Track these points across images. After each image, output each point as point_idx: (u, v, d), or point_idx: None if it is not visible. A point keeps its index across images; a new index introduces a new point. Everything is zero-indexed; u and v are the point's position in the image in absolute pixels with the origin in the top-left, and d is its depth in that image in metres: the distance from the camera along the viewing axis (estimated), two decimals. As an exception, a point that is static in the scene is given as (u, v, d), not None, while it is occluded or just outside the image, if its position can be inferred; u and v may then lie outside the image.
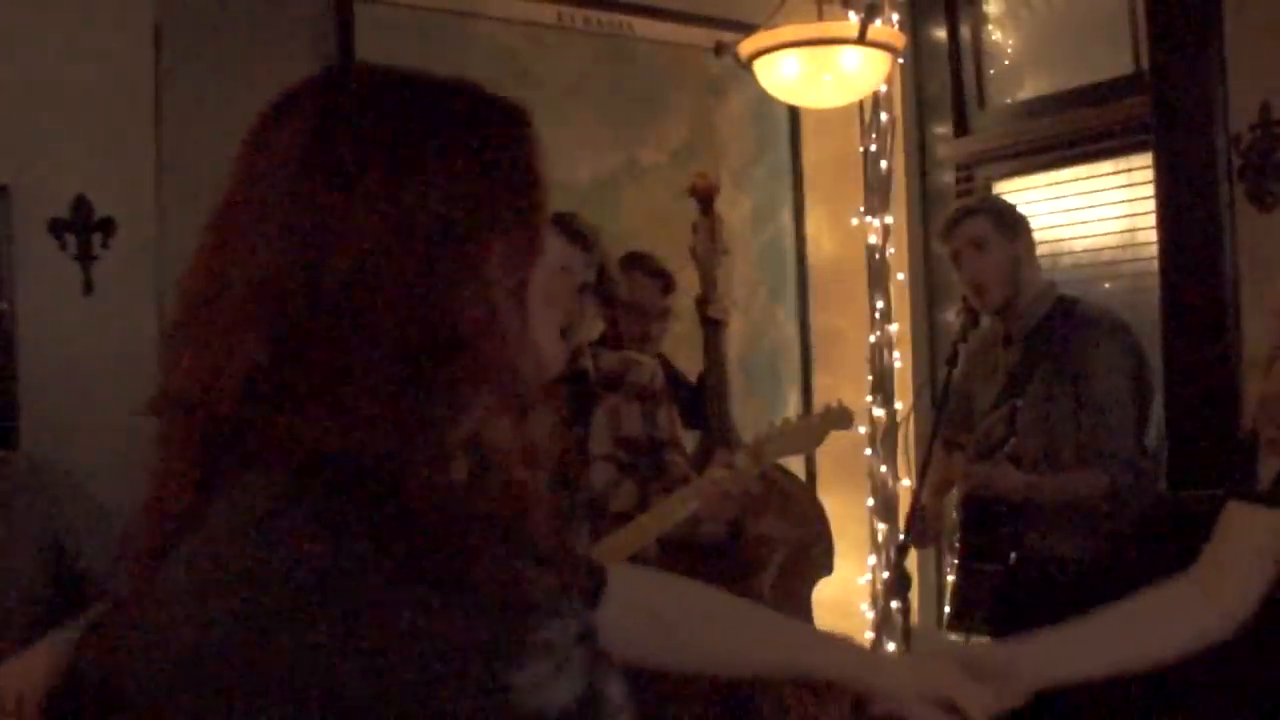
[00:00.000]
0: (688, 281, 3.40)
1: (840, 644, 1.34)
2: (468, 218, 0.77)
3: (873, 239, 4.12)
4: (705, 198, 3.19)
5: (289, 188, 0.77)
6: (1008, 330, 2.90)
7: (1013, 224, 2.89)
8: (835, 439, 2.61)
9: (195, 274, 0.80)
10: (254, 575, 0.68)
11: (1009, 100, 4.19)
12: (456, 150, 0.79)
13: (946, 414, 2.91)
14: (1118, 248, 3.82)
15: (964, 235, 2.88)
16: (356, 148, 0.77)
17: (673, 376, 3.32)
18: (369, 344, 0.74)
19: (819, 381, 4.34)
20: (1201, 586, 1.51)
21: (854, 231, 4.20)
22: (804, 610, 3.30)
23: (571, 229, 2.36)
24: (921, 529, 2.91)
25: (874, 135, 4.11)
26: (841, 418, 2.47)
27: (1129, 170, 3.74)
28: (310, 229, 0.75)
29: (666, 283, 3.30)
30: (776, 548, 3.25)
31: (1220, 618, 1.49)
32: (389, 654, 0.66)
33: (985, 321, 2.96)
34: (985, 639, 2.77)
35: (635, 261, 3.28)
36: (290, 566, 0.68)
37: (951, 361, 2.85)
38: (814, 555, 3.35)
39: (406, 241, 0.75)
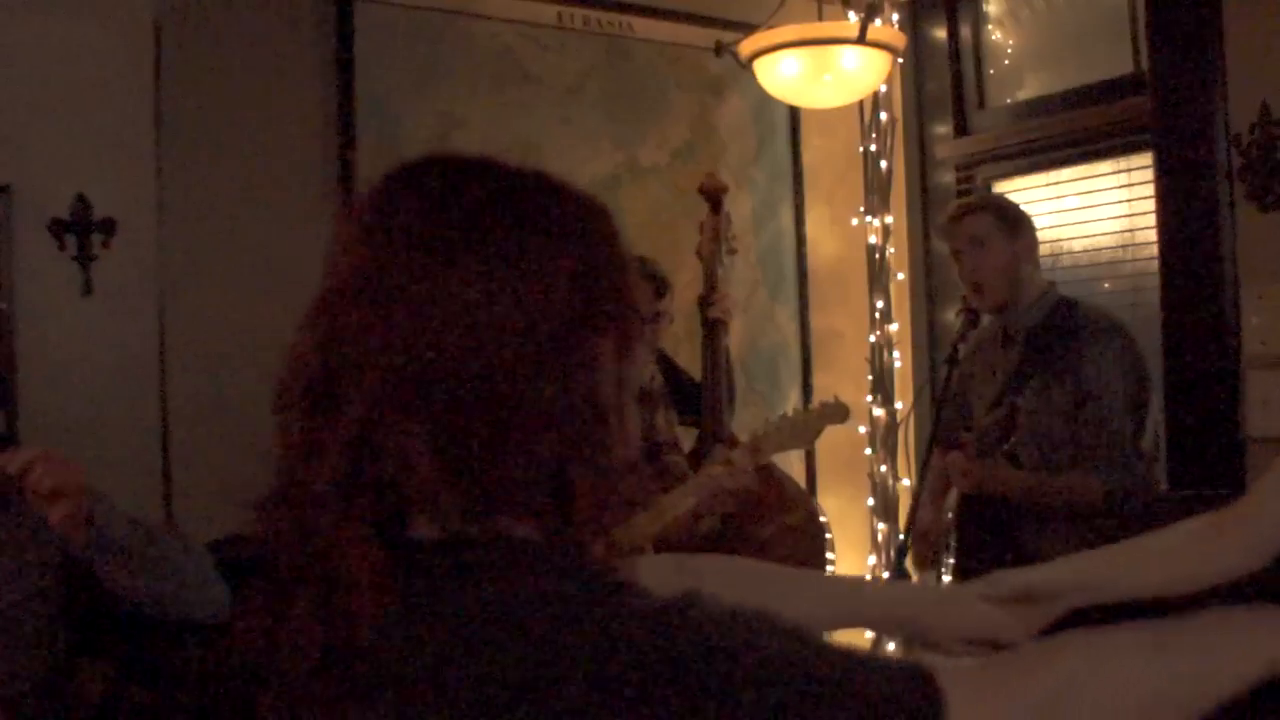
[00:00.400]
0: (692, 281, 3.41)
1: (891, 589, 1.33)
2: (585, 309, 0.80)
3: (873, 239, 4.12)
4: (714, 197, 3.20)
5: (418, 279, 0.77)
6: (1007, 330, 2.90)
7: (1014, 222, 2.88)
8: (836, 439, 2.61)
9: (304, 361, 0.81)
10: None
11: (1009, 100, 4.19)
12: (570, 243, 0.81)
13: (945, 413, 2.90)
14: (1117, 248, 3.82)
15: (965, 233, 2.87)
16: (480, 242, 0.79)
17: (673, 371, 3.32)
18: (522, 431, 0.76)
19: (819, 381, 4.33)
20: (1228, 521, 1.49)
21: (854, 231, 4.20)
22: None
23: None
24: (922, 550, 2.93)
25: (874, 135, 4.11)
26: (838, 412, 2.48)
27: (1129, 170, 3.74)
28: (448, 318, 0.76)
29: (659, 286, 3.30)
30: (774, 547, 3.25)
31: (1241, 555, 1.46)
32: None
33: (985, 320, 2.96)
34: None
35: None
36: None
37: (951, 361, 2.84)
38: (810, 554, 3.34)
39: (540, 331, 0.77)
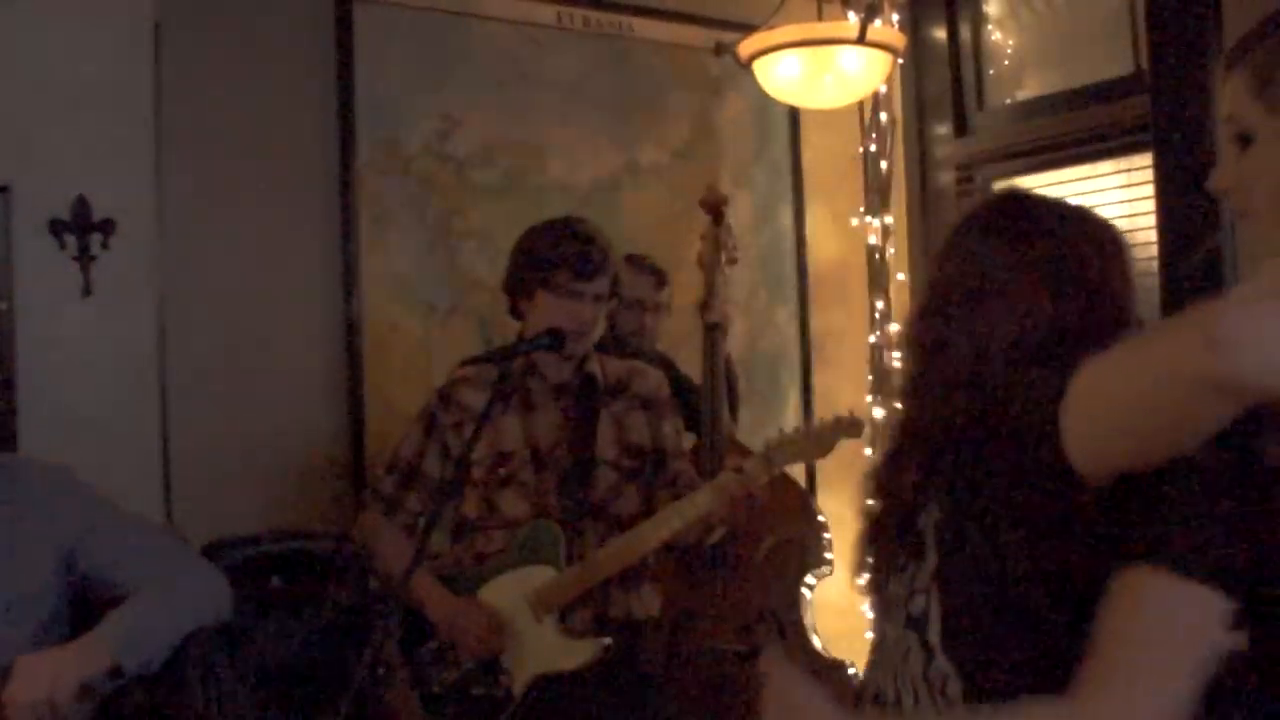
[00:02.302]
0: (693, 281, 3.41)
1: None
2: None
3: (873, 239, 4.11)
4: (715, 210, 3.20)
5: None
6: None
7: None
8: (835, 438, 2.60)
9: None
10: None
11: (1009, 100, 4.19)
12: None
13: None
14: (1117, 248, 3.82)
15: None
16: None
17: (678, 380, 3.33)
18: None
19: (819, 382, 4.33)
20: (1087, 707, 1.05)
21: (854, 231, 4.20)
22: (792, 602, 3.30)
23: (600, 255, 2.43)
24: None
25: (874, 135, 4.11)
26: (852, 427, 2.46)
27: (1129, 170, 3.73)
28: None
29: (659, 278, 3.32)
30: (763, 538, 3.27)
31: None
32: None
33: None
34: None
35: (630, 260, 3.31)
36: None
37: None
38: (805, 546, 3.35)
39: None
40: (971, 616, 1.18)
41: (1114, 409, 1.05)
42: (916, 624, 1.23)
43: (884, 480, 1.34)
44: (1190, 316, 0.96)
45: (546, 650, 2.36)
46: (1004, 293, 1.26)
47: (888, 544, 1.30)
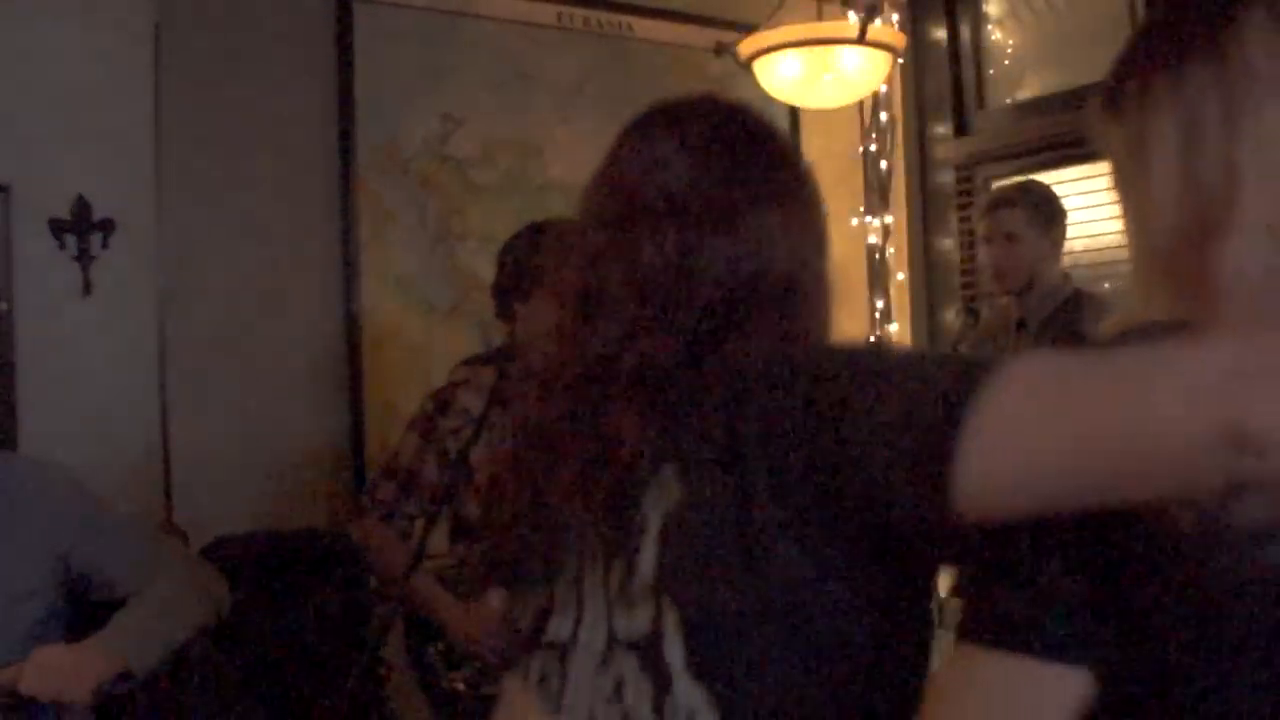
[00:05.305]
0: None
1: None
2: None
3: (873, 239, 4.12)
4: None
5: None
6: (1022, 315, 2.95)
7: (1048, 218, 2.96)
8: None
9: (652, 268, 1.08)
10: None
11: (1009, 100, 4.19)
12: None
13: None
14: (1117, 247, 3.82)
15: (999, 225, 2.94)
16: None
17: None
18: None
19: (819, 381, 4.33)
20: None
21: (854, 231, 4.20)
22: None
23: None
24: None
25: (874, 135, 4.11)
26: None
27: (1129, 170, 3.73)
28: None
29: None
30: None
31: None
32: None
33: (985, 314, 3.00)
34: None
35: None
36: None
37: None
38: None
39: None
40: (738, 627, 0.89)
41: (1059, 448, 0.76)
42: (638, 646, 0.93)
43: (571, 438, 1.01)
44: (1190, 348, 0.75)
45: None
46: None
47: (576, 535, 1.01)
